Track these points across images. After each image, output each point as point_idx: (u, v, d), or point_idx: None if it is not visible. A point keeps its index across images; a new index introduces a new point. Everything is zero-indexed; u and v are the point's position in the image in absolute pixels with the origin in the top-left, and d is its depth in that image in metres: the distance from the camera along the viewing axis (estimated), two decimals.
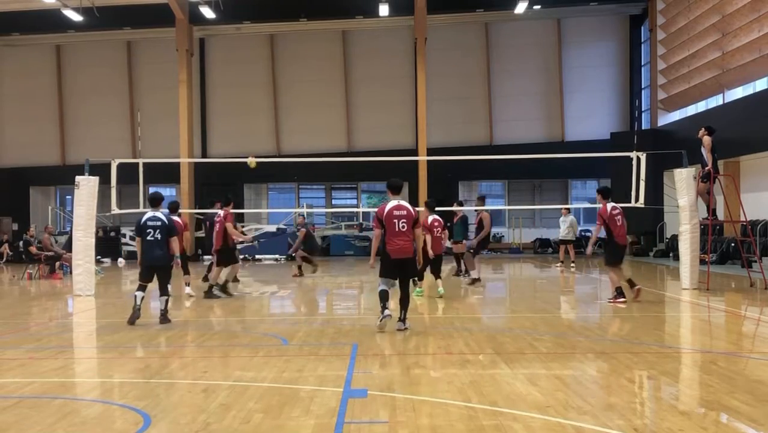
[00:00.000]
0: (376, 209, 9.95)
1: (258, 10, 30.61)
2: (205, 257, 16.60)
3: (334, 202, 35.26)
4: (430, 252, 13.74)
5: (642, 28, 31.37)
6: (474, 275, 16.51)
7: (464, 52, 32.21)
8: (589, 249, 13.11)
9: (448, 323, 10.89)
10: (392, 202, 9.73)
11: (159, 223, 10.69)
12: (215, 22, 29.19)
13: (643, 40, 31.40)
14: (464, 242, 18.09)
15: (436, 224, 14.09)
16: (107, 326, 10.96)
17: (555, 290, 16.62)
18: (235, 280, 17.42)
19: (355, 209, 33.43)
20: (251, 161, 16.27)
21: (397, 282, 9.83)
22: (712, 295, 14.02)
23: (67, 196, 33.79)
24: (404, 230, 9.57)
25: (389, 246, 9.56)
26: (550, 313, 12.23)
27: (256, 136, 32.48)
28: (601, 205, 12.71)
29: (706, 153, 14.98)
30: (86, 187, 14.85)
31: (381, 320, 9.62)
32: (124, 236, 29.47)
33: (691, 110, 26.82)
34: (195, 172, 29.09)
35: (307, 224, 20.43)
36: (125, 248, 28.97)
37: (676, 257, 18.87)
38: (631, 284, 12.88)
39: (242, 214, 30.21)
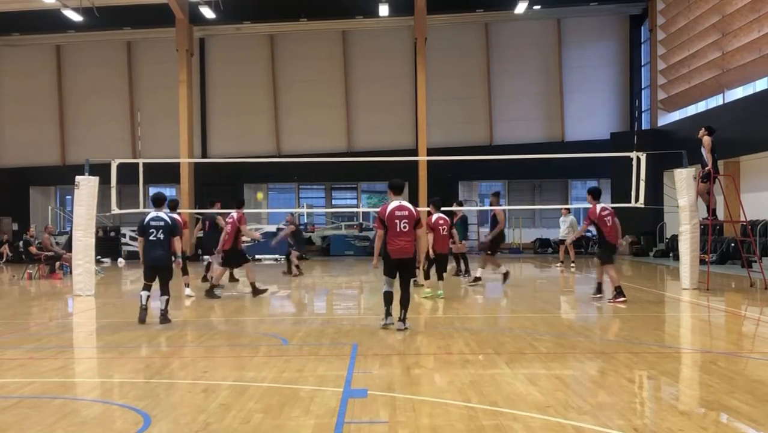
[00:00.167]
0: (375, 209, 10.00)
1: (258, 10, 30.62)
2: (205, 257, 16.57)
3: (334, 202, 35.27)
4: (431, 252, 13.68)
5: (642, 28, 31.38)
6: (503, 269, 16.10)
7: (464, 52, 32.22)
8: (569, 239, 13.32)
9: (448, 323, 10.89)
10: (394, 203, 9.76)
11: (162, 223, 10.76)
12: (215, 22, 29.20)
13: (643, 40, 31.41)
14: (463, 242, 18.05)
15: (441, 222, 13.97)
16: (107, 326, 10.97)
17: (555, 290, 16.63)
18: (234, 279, 17.44)
19: (355, 209, 33.44)
20: (259, 195, 16.44)
21: (397, 282, 9.88)
22: (712, 295, 14.02)
23: (67, 196, 33.79)
24: (405, 230, 9.62)
25: (390, 246, 9.62)
26: (550, 313, 12.23)
27: (256, 136, 32.50)
28: (591, 206, 12.83)
29: (706, 153, 14.98)
30: (86, 187, 14.84)
31: (383, 324, 9.87)
32: (124, 236, 29.46)
33: (691, 110, 26.82)
34: (195, 172, 29.10)
35: (291, 223, 20.52)
36: (125, 248, 28.95)
37: (676, 257, 18.87)
38: (599, 289, 13.09)
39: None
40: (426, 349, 8.63)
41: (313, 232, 32.28)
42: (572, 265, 20.61)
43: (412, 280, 10.32)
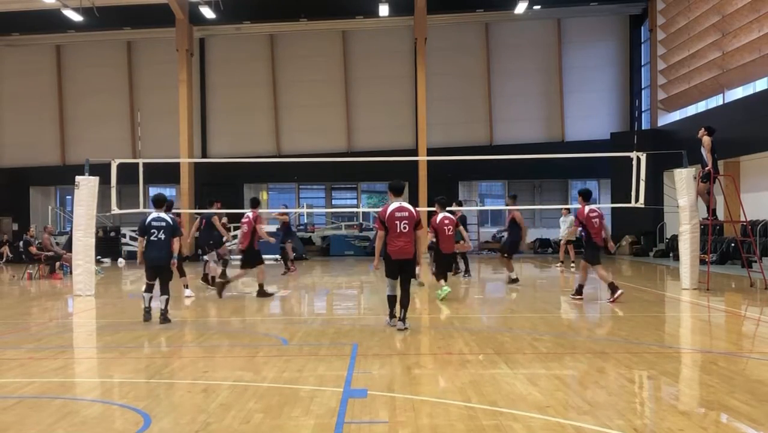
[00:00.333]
0: (375, 209, 10.04)
1: (258, 10, 30.60)
2: (205, 257, 16.56)
3: (334, 202, 35.25)
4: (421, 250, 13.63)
5: (642, 28, 31.36)
6: (513, 276, 16.43)
7: (464, 52, 32.20)
8: (563, 240, 13.31)
9: (448, 323, 10.89)
10: (394, 204, 9.78)
11: (164, 223, 10.88)
12: (215, 22, 29.19)
13: (643, 40, 31.39)
14: (461, 242, 18.03)
15: (446, 222, 13.88)
16: (107, 326, 10.98)
17: (555, 290, 16.63)
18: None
19: (355, 209, 33.42)
20: (263, 195, 16.50)
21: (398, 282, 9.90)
22: (712, 295, 14.02)
23: (67, 196, 33.80)
24: (405, 231, 9.64)
25: (390, 247, 9.65)
26: (550, 313, 12.23)
27: (256, 136, 32.49)
28: (580, 207, 12.87)
29: (705, 153, 14.99)
30: (86, 187, 14.85)
31: (388, 323, 10.04)
32: (124, 236, 29.47)
33: (691, 110, 26.81)
34: (195, 172, 29.11)
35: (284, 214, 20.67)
36: (125, 248, 28.98)
37: (676, 257, 18.87)
38: (579, 290, 13.10)
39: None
40: (426, 349, 8.64)
41: (313, 232, 32.29)
42: (572, 265, 20.60)
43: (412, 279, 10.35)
